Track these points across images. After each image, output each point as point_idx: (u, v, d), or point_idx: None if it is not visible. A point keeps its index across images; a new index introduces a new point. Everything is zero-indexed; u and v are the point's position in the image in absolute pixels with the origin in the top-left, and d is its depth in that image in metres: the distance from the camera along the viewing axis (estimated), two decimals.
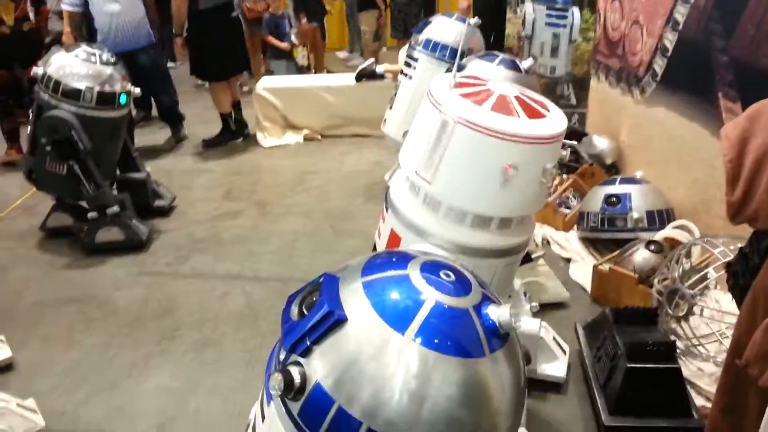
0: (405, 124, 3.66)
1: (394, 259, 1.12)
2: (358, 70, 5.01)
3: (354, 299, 1.04)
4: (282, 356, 1.09)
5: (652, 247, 2.75)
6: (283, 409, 1.05)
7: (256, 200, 4.14)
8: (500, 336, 1.04)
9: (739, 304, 1.81)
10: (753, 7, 2.46)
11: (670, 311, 2.42)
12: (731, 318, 2.24)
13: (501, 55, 2.69)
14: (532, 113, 1.74)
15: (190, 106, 5.79)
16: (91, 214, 3.40)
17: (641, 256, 2.75)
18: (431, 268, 1.08)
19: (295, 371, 1.01)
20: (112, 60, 3.39)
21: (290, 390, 1.00)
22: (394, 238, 1.89)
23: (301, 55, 6.17)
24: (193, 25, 4.75)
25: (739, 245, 2.34)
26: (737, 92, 2.62)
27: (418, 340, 0.97)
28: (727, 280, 1.84)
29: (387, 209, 1.94)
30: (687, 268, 2.54)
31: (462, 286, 1.07)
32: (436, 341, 0.98)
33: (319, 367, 1.00)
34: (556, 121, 1.74)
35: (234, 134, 5.23)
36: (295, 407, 1.02)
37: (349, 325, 1.01)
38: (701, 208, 3.00)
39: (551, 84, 4.72)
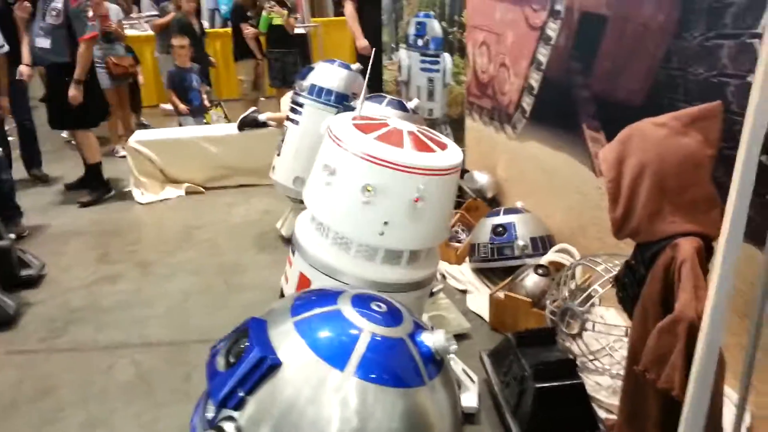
0: (294, 169, 3.73)
1: (322, 296, 1.09)
2: (240, 119, 4.99)
3: (286, 341, 0.99)
4: (210, 413, 1.01)
5: (540, 271, 2.90)
6: None
7: (138, 261, 3.88)
8: (436, 362, 1.03)
9: (629, 314, 1.95)
10: (607, 45, 2.75)
11: (564, 330, 2.55)
12: (618, 330, 2.40)
13: (388, 97, 2.78)
14: (423, 147, 1.80)
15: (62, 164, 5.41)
16: None
17: (531, 280, 2.89)
18: (361, 301, 1.06)
19: (229, 427, 0.94)
20: None
21: None
22: (303, 281, 1.85)
23: (216, 117, 5.92)
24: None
25: (617, 261, 2.54)
26: (600, 122, 2.89)
27: (357, 374, 0.95)
28: (617, 293, 1.97)
29: (293, 252, 1.90)
30: (573, 288, 2.70)
31: (393, 316, 1.06)
32: (375, 374, 0.96)
33: (255, 419, 0.94)
34: (445, 156, 1.80)
35: (108, 188, 4.92)
36: None
37: (284, 368, 0.96)
38: (578, 231, 3.23)
39: (430, 125, 4.90)
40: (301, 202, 3.91)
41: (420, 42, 4.67)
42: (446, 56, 4.56)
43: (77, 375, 2.76)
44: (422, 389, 0.98)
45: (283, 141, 3.83)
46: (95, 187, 4.90)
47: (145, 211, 4.72)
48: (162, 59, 6.50)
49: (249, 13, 6.29)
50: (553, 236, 3.34)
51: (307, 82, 3.71)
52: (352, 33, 5.35)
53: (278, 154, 3.87)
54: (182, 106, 5.71)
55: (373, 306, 1.05)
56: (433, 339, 1.02)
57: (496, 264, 3.29)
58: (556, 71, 3.24)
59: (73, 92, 4.36)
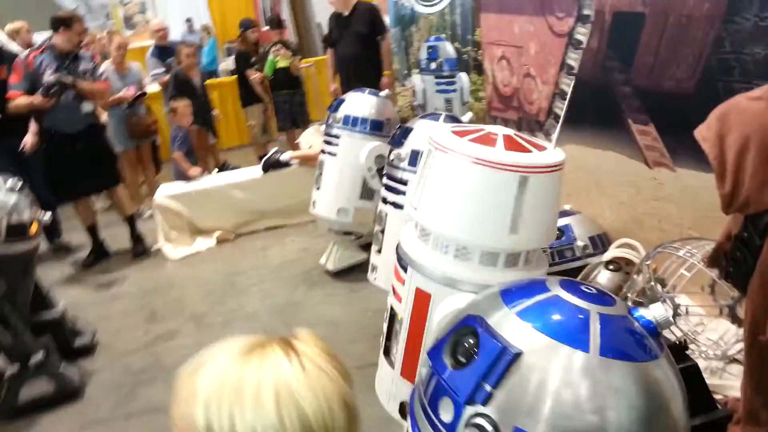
0: (337, 201, 3.74)
1: (530, 285, 1.09)
2: (263, 162, 5.00)
3: (516, 330, 0.99)
4: (447, 416, 1.00)
5: (611, 266, 2.92)
6: None
7: (188, 315, 3.83)
8: (656, 337, 1.03)
9: (741, 289, 1.97)
10: (646, 40, 2.83)
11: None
12: (714, 311, 2.42)
13: (443, 113, 2.82)
14: (520, 148, 1.81)
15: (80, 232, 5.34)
16: (10, 370, 2.93)
17: (605, 277, 2.90)
18: (571, 285, 1.07)
19: (484, 423, 0.93)
20: (18, 185, 3.06)
21: None
22: (421, 296, 1.84)
23: None
24: None
25: (694, 245, 2.57)
26: (648, 115, 2.95)
27: (601, 353, 0.94)
28: (725, 269, 1.99)
29: (405, 270, 1.89)
30: (648, 277, 2.72)
31: (604, 296, 1.06)
32: (615, 352, 0.95)
33: (507, 410, 0.93)
34: (545, 155, 1.82)
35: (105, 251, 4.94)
36: None
37: (525, 357, 0.95)
38: (633, 225, 3.26)
39: None
40: (345, 233, 3.97)
41: (433, 65, 4.77)
42: (462, 75, 4.65)
43: None
44: (655, 363, 0.98)
45: (321, 175, 3.85)
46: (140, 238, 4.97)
47: (180, 266, 4.68)
48: (169, 118, 6.51)
49: (253, 59, 6.36)
50: (607, 234, 3.36)
51: (340, 114, 3.75)
52: None
53: (318, 188, 3.88)
54: (193, 170, 5.19)
55: (584, 289, 1.06)
56: (653, 313, 1.02)
57: (559, 267, 3.29)
58: (590, 73, 3.32)
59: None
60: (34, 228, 3.04)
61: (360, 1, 5.62)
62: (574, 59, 3.42)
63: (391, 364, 2.00)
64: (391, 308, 2.00)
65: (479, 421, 0.94)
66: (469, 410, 0.96)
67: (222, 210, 5.00)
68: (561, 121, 3.67)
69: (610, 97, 3.16)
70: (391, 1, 5.26)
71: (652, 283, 2.56)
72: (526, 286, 1.09)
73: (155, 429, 2.75)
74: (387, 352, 2.05)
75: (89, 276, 4.66)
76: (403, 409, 1.97)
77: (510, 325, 1.00)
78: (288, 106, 6.36)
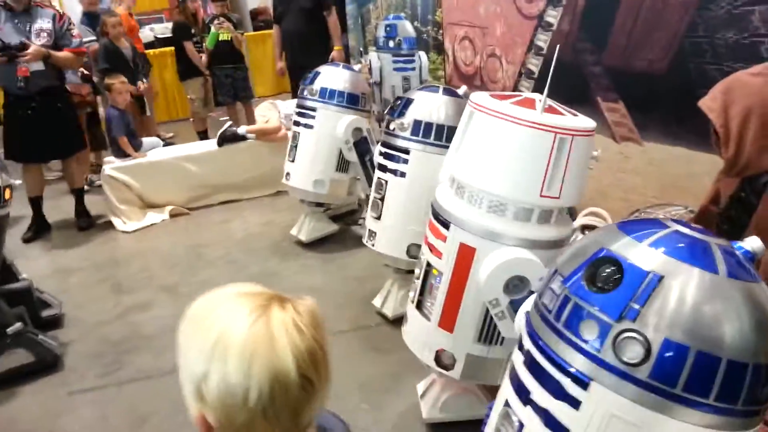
0: (313, 172, 3.77)
1: (649, 223, 1.24)
2: (219, 135, 4.90)
3: (652, 258, 1.13)
4: (592, 335, 1.13)
5: (586, 232, 3.18)
6: (621, 381, 1.10)
7: (159, 286, 3.73)
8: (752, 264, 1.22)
9: None
10: (620, 22, 3.09)
11: None
12: None
13: (441, 86, 2.93)
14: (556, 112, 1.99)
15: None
16: None
17: None
18: (681, 223, 1.23)
19: (636, 335, 1.08)
20: None
21: (648, 356, 1.06)
22: (465, 250, 1.96)
23: None
24: None
25: (670, 209, 2.87)
26: (616, 94, 3.22)
27: (728, 275, 1.11)
28: (719, 226, 2.27)
29: (447, 227, 2.00)
30: None
31: (708, 231, 1.24)
32: (737, 274, 1.12)
33: (659, 325, 1.08)
34: (587, 120, 2.01)
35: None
36: (643, 372, 1.08)
37: (666, 279, 1.11)
38: (597, 196, 3.54)
39: None
40: (318, 205, 4.00)
41: (391, 43, 4.84)
42: (422, 54, 4.76)
43: (164, 401, 2.65)
44: (760, 285, 1.16)
45: (296, 147, 3.85)
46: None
47: (135, 238, 4.51)
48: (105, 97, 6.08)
49: (193, 31, 6.14)
50: (574, 207, 3.64)
51: (316, 86, 3.77)
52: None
53: (291, 160, 3.89)
54: (139, 155, 4.83)
55: (692, 226, 1.22)
56: (750, 244, 1.21)
57: None
58: (559, 54, 3.55)
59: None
60: (7, 194, 2.86)
61: None
62: (543, 40, 3.65)
63: (426, 317, 2.11)
64: (427, 264, 2.11)
65: (631, 335, 1.08)
66: (617, 327, 1.10)
67: (174, 183, 4.86)
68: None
69: (580, 77, 3.41)
70: None
71: None
72: (645, 223, 1.24)
73: (150, 395, 2.71)
74: (419, 306, 2.15)
75: (34, 249, 4.39)
76: (438, 358, 2.09)
77: (645, 254, 1.14)
78: (230, 80, 6.21)
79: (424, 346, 2.14)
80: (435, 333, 2.09)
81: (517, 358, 1.32)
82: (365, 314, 3.21)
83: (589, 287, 1.17)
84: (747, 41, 2.52)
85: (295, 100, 5.18)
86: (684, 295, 1.09)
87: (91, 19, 5.91)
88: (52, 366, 2.93)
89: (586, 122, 1.95)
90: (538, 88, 3.83)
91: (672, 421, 1.08)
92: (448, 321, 2.05)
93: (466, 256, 1.97)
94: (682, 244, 1.16)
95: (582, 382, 1.15)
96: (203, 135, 6.39)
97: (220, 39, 6.02)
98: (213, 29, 5.93)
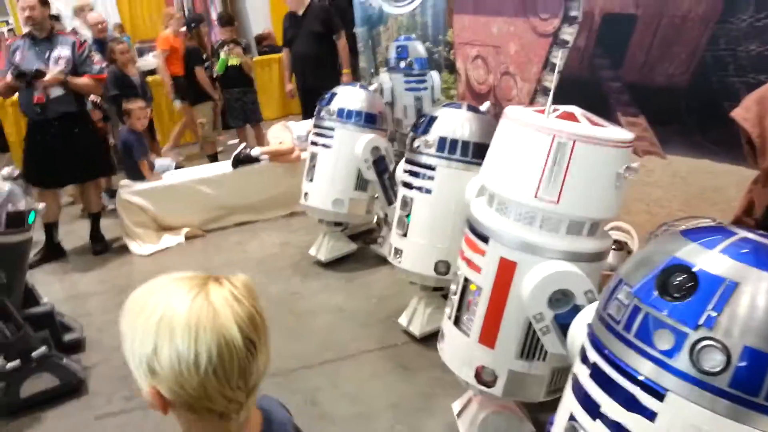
0: (332, 192, 3.77)
1: (713, 230, 1.24)
2: (233, 157, 4.92)
3: (724, 265, 1.13)
4: (667, 344, 1.12)
5: (614, 246, 3.17)
6: (700, 390, 1.09)
7: None
8: None
9: None
10: (638, 40, 3.12)
11: None
12: None
13: (464, 103, 2.95)
14: (597, 124, 2.01)
15: None
16: (12, 364, 2.72)
17: (611, 257, 3.15)
18: (746, 229, 1.23)
19: (715, 344, 1.07)
20: (14, 173, 2.85)
21: (728, 364, 1.06)
22: (506, 265, 1.96)
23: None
24: None
25: (694, 222, 2.86)
26: (637, 108, 3.24)
27: None
28: None
29: (486, 242, 2.00)
30: None
31: None
32: None
33: (738, 332, 1.07)
34: (622, 132, 2.02)
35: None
36: (722, 381, 1.07)
37: (740, 286, 1.10)
38: (621, 211, 3.55)
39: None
40: (336, 224, 4.00)
41: (402, 64, 4.88)
42: (434, 74, 4.80)
43: None
44: None
45: (314, 167, 3.86)
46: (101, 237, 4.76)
47: (151, 261, 4.49)
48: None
49: (204, 56, 6.20)
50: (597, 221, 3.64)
51: (334, 107, 3.79)
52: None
53: (310, 180, 3.89)
54: (155, 177, 4.83)
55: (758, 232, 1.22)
56: None
57: None
58: (576, 70, 3.58)
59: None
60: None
61: (314, 0, 5.67)
62: (559, 58, 3.67)
63: (465, 333, 2.09)
64: (465, 280, 2.10)
65: (708, 343, 1.08)
66: (694, 336, 1.09)
67: (189, 206, 4.85)
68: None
69: (598, 93, 3.42)
70: (357, 0, 5.33)
71: None
72: (710, 230, 1.24)
73: (173, 419, 2.66)
74: (457, 322, 2.14)
75: (49, 274, 4.36)
76: (479, 375, 2.07)
77: (718, 261, 1.14)
78: (240, 103, 6.26)
79: (464, 363, 2.12)
80: (475, 349, 2.07)
81: (582, 371, 1.31)
82: (391, 333, 3.18)
83: (662, 296, 1.16)
84: None
85: (307, 122, 5.26)
86: (762, 301, 1.08)
87: (100, 45, 5.96)
88: (76, 390, 2.91)
89: (606, 132, 1.96)
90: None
91: (753, 431, 1.07)
92: (489, 336, 2.04)
93: (506, 270, 1.96)
94: (754, 250, 1.15)
95: (657, 393, 1.13)
96: (213, 158, 6.42)
97: (229, 64, 6.07)
98: (222, 55, 5.98)
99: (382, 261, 4.02)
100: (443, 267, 2.87)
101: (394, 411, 2.60)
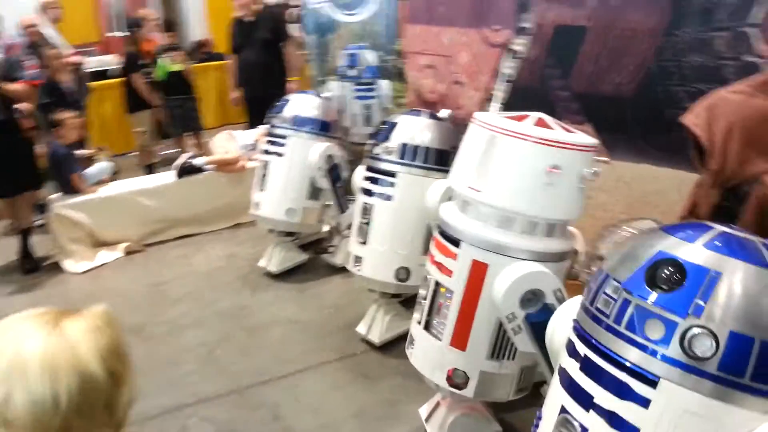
0: (285, 201, 3.71)
1: (693, 226, 1.28)
2: (179, 167, 4.75)
3: (708, 257, 1.17)
4: (657, 334, 1.15)
5: None
6: (691, 376, 1.12)
7: (124, 327, 3.41)
8: None
9: None
10: (587, 50, 3.24)
11: None
12: None
13: (423, 110, 2.97)
14: (565, 130, 2.06)
15: None
16: None
17: None
18: (724, 224, 1.28)
19: (703, 331, 1.10)
20: None
21: (717, 350, 1.09)
22: (478, 266, 1.97)
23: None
24: None
25: (637, 224, 2.98)
26: (584, 116, 3.36)
27: None
28: None
29: (458, 245, 2.00)
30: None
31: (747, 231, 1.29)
32: None
33: (724, 319, 1.11)
34: (585, 137, 2.08)
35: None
36: (711, 365, 1.10)
37: (724, 276, 1.14)
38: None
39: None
40: (288, 234, 3.92)
41: (352, 72, 4.88)
42: (383, 83, 4.83)
43: None
44: None
45: (265, 176, 3.78)
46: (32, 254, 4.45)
47: (88, 279, 4.25)
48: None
49: (141, 62, 5.98)
50: None
51: (287, 114, 3.73)
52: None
53: (262, 190, 3.80)
54: (92, 189, 4.56)
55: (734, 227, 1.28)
56: None
57: None
58: (527, 80, 3.68)
59: None
60: None
61: (265, 7, 5.60)
62: (509, 67, 3.77)
63: (436, 337, 2.09)
64: (436, 284, 2.09)
65: (698, 330, 1.11)
66: (684, 325, 1.12)
67: (128, 219, 4.64)
68: None
69: (547, 101, 3.53)
70: (308, 8, 5.29)
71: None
72: (689, 226, 1.29)
73: None
74: (427, 327, 2.12)
75: None
76: (450, 378, 2.07)
77: (701, 253, 1.18)
78: (180, 111, 6.07)
79: (436, 367, 2.10)
80: (447, 352, 2.07)
81: (571, 365, 1.32)
82: (349, 342, 3.14)
83: (651, 288, 1.19)
84: (713, 64, 2.69)
85: (253, 131, 5.17)
86: (743, 289, 1.13)
87: (33, 50, 5.66)
88: None
89: (584, 138, 2.01)
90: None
91: (740, 410, 1.11)
92: (460, 339, 2.04)
93: (478, 272, 1.97)
94: (733, 243, 1.20)
95: (650, 380, 1.16)
96: (149, 169, 6.18)
97: (170, 70, 5.89)
98: (162, 61, 5.79)
99: (334, 270, 3.98)
100: (404, 273, 2.86)
101: (359, 420, 2.56)
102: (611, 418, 1.20)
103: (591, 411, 1.24)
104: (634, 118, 3.13)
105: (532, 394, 2.23)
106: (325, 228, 4.31)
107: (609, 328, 1.23)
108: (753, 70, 2.50)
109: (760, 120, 2.11)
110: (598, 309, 1.28)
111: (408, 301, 3.26)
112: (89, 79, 6.42)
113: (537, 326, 1.91)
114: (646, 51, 2.96)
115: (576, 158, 2.01)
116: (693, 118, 2.20)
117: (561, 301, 1.90)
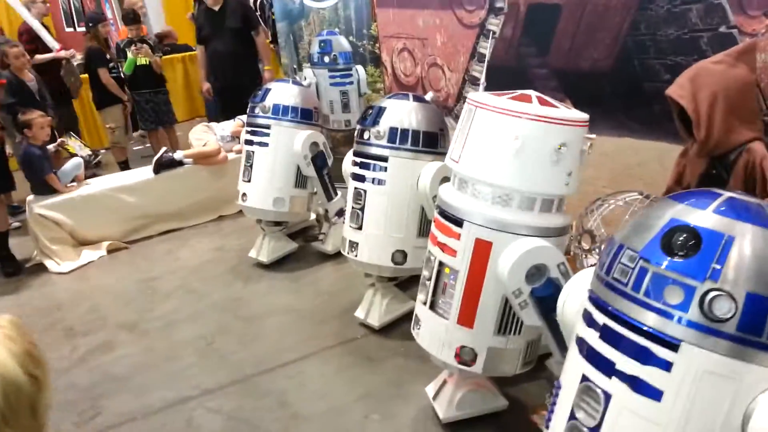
0: (272, 190, 3.70)
1: (701, 193, 1.34)
2: (155, 162, 4.70)
3: (720, 222, 1.24)
4: (676, 299, 1.21)
5: None
6: (711, 337, 1.18)
7: (116, 325, 3.49)
8: None
9: None
10: (563, 27, 3.29)
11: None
12: None
13: (411, 94, 2.99)
14: (545, 103, 2.11)
15: None
16: None
17: None
18: (732, 191, 1.35)
19: (722, 294, 1.17)
20: None
21: (734, 313, 1.16)
22: (481, 245, 2.02)
23: (78, 146, 4.96)
24: None
25: (624, 196, 3.07)
26: (563, 93, 3.42)
27: None
28: None
29: (460, 225, 2.05)
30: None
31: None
32: None
33: (739, 281, 1.18)
34: (581, 114, 2.13)
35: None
36: (730, 326, 1.17)
37: (737, 239, 1.21)
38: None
39: (350, 136, 5.13)
40: (276, 224, 3.93)
41: (326, 59, 4.86)
42: (359, 68, 4.82)
43: None
44: None
45: (251, 166, 3.76)
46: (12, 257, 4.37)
47: (74, 279, 4.19)
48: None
49: (107, 57, 5.84)
50: None
51: (268, 103, 3.71)
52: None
53: (247, 180, 3.78)
54: (69, 187, 4.50)
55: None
56: None
57: None
58: (503, 59, 3.73)
59: None
60: None
61: None
62: (485, 47, 3.81)
63: (442, 316, 2.13)
64: (439, 264, 2.13)
65: (716, 293, 1.17)
66: (702, 288, 1.19)
67: (109, 217, 4.58)
68: None
69: (525, 80, 3.58)
70: None
71: (602, 230, 3.02)
72: (699, 194, 1.34)
73: None
74: (433, 306, 2.17)
75: None
76: (458, 355, 2.12)
77: (713, 219, 1.24)
78: (151, 105, 5.97)
79: (443, 345, 2.16)
80: (454, 331, 2.12)
81: (590, 334, 1.38)
82: (348, 327, 3.17)
83: (667, 255, 1.25)
84: (687, 36, 2.77)
85: (229, 122, 5.12)
86: (756, 251, 1.20)
87: None
88: None
89: (575, 113, 2.06)
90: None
91: (759, 368, 1.18)
92: (467, 317, 2.09)
93: (482, 250, 2.02)
94: (740, 207, 1.27)
95: (672, 344, 1.22)
96: (124, 165, 6.08)
97: (137, 64, 5.77)
98: (130, 54, 5.67)
99: (325, 258, 4.01)
100: (400, 256, 2.90)
101: (366, 402, 2.60)
102: (634, 382, 1.27)
103: (613, 377, 1.30)
104: (613, 93, 3.20)
105: (535, 368, 2.31)
106: (312, 216, 4.32)
107: (627, 296, 1.29)
108: (729, 41, 2.58)
109: (741, 89, 2.20)
110: (615, 278, 1.33)
111: (403, 284, 3.32)
112: (80, 71, 6.31)
113: (542, 300, 1.98)
114: (620, 25, 3.02)
115: (577, 134, 2.07)
116: (678, 90, 2.27)
117: (565, 274, 1.97)
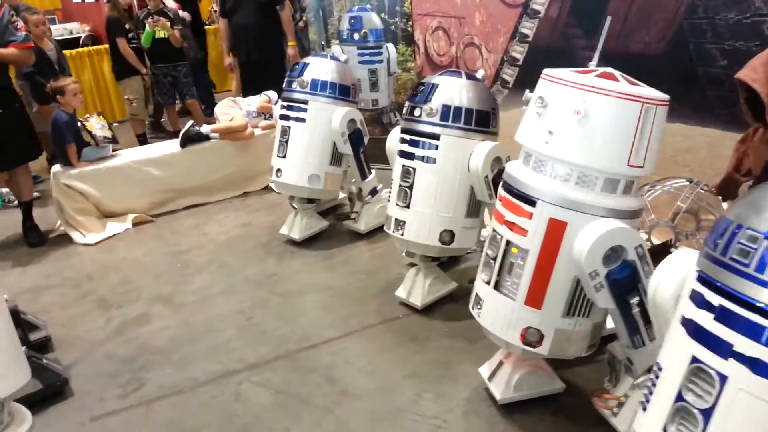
0: (308, 167, 3.65)
1: None
2: (182, 135, 4.64)
3: None
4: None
5: None
6: None
7: (151, 297, 3.45)
8: None
9: None
10: (614, 8, 3.24)
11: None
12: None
13: (463, 71, 2.93)
14: (631, 82, 2.07)
15: None
16: None
17: None
18: None
19: None
20: None
21: None
22: (555, 225, 1.99)
23: (99, 126, 4.89)
24: None
25: (675, 182, 3.05)
26: None
27: None
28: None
29: (533, 204, 2.01)
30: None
31: None
32: None
33: None
34: (653, 91, 2.09)
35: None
36: None
37: None
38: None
39: (376, 115, 5.09)
40: (309, 201, 3.88)
41: (356, 36, 4.79)
42: (389, 46, 4.75)
43: (211, 411, 2.49)
44: None
45: (287, 142, 3.71)
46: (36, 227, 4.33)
47: (101, 250, 4.14)
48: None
49: (127, 26, 5.73)
50: None
51: (306, 78, 3.65)
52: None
53: (282, 156, 3.73)
54: (82, 164, 4.35)
55: None
56: None
57: None
58: (548, 40, 3.68)
59: None
60: None
61: None
62: (528, 28, 3.75)
63: (509, 296, 2.11)
64: (507, 243, 2.10)
65: None
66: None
67: (135, 189, 4.53)
68: (509, 86, 4.01)
69: (572, 62, 3.53)
70: None
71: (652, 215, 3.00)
72: None
73: (191, 408, 2.52)
74: (498, 286, 2.14)
75: None
76: (523, 336, 2.10)
77: None
78: (170, 79, 5.88)
79: (509, 326, 2.13)
80: (521, 311, 2.09)
81: (701, 315, 1.35)
82: (389, 306, 3.15)
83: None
84: (749, 20, 2.73)
85: (254, 98, 5.05)
86: None
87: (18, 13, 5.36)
88: (61, 392, 2.65)
89: (658, 93, 2.03)
90: (522, 75, 3.94)
91: None
92: (535, 298, 2.06)
93: (556, 230, 1.99)
94: None
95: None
96: (142, 138, 6.01)
97: (156, 37, 5.68)
98: (148, 27, 5.57)
99: (358, 237, 3.97)
100: (447, 236, 2.87)
101: (415, 381, 2.59)
102: (755, 364, 1.24)
103: (730, 359, 1.28)
104: (665, 77, 3.16)
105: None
106: (342, 195, 4.28)
107: (749, 277, 1.27)
108: None
109: None
110: (733, 259, 1.31)
111: (444, 264, 3.30)
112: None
113: (617, 282, 1.96)
114: (676, 8, 2.98)
115: (661, 114, 2.03)
116: (750, 73, 2.24)
117: (641, 256, 1.95)
